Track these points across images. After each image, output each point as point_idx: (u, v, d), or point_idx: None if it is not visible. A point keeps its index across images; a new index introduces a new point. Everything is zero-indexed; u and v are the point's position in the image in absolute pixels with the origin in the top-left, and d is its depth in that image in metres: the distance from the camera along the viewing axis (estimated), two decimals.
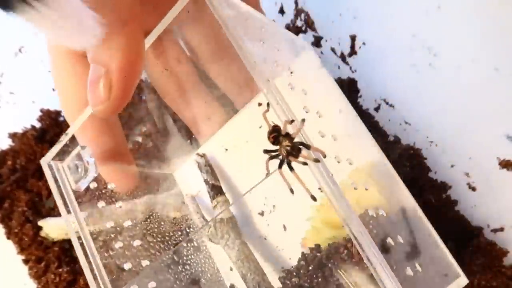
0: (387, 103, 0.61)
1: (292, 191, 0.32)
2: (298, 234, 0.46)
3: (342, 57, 0.63)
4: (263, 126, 0.44)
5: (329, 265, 0.34)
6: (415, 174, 0.56)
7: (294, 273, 0.36)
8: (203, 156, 0.50)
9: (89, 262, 0.40)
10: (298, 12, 0.63)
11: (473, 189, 0.56)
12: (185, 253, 0.49)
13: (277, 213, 0.49)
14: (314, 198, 0.31)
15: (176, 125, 0.51)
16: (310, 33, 0.64)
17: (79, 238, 0.41)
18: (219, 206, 0.47)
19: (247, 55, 0.33)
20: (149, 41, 0.37)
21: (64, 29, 0.28)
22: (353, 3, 0.63)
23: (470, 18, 0.55)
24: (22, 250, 0.55)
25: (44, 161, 0.44)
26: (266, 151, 0.32)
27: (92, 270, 0.40)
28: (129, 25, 0.32)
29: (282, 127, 0.30)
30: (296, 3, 0.63)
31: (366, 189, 0.34)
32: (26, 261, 0.55)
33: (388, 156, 0.56)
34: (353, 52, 0.62)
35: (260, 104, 0.50)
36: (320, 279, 0.34)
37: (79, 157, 0.43)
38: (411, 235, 0.33)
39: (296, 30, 0.64)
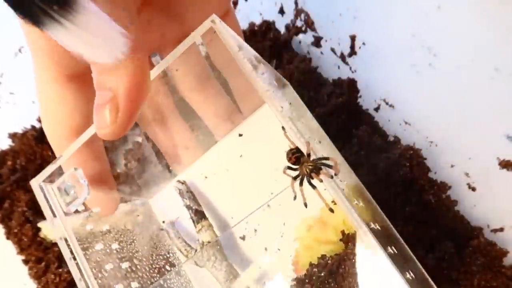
0: (387, 103, 0.61)
1: (306, 205, 0.35)
2: (286, 255, 0.48)
3: (342, 57, 0.63)
4: (244, 156, 0.51)
5: (341, 270, 0.36)
6: (415, 174, 0.56)
7: (307, 280, 0.37)
8: (183, 183, 0.52)
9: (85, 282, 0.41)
10: (298, 12, 0.63)
11: (473, 189, 0.56)
12: (168, 276, 0.50)
13: (258, 236, 0.50)
14: (332, 210, 0.34)
15: (155, 152, 0.52)
16: (310, 33, 0.64)
17: (74, 258, 0.42)
18: (204, 230, 0.48)
19: (262, 86, 0.36)
20: (153, 74, 0.39)
21: (91, 46, 0.29)
22: (353, 3, 0.63)
23: (470, 18, 0.54)
24: (21, 250, 0.55)
25: (35, 182, 0.44)
26: (289, 168, 0.34)
27: None
28: (136, 51, 0.32)
29: (306, 149, 0.33)
30: (296, 3, 0.63)
31: (362, 206, 0.37)
32: (26, 261, 0.55)
33: (388, 156, 0.57)
34: (353, 52, 0.62)
35: (241, 135, 0.52)
36: (332, 284, 0.36)
37: (71, 178, 0.43)
38: (396, 247, 0.36)
39: (296, 30, 0.64)
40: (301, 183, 0.34)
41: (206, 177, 0.53)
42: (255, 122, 0.53)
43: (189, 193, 0.51)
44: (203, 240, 0.48)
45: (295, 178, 0.34)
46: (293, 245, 0.47)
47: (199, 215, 0.49)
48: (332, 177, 0.32)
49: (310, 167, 0.33)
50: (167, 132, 0.51)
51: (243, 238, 0.51)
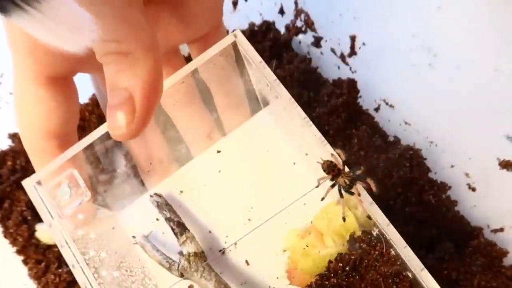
0: (387, 104, 0.61)
1: (344, 219, 0.40)
2: (274, 264, 0.49)
3: (342, 58, 0.63)
4: (222, 171, 0.52)
5: (364, 264, 0.39)
6: (415, 175, 0.56)
7: (332, 274, 0.39)
8: (160, 196, 0.51)
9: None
10: (298, 12, 0.63)
11: (473, 189, 0.56)
12: None
13: (239, 249, 0.51)
14: (369, 217, 0.39)
15: (129, 164, 0.52)
16: (310, 34, 0.64)
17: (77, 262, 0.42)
18: (189, 241, 0.48)
19: (285, 94, 0.42)
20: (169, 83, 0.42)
21: (60, 34, 0.28)
22: (353, 3, 0.63)
23: (470, 18, 0.55)
24: (19, 251, 0.55)
25: (30, 183, 0.43)
26: (332, 179, 0.40)
27: None
28: (152, 51, 0.32)
29: (340, 163, 0.40)
30: (296, 3, 0.63)
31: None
32: (25, 262, 0.55)
33: (388, 157, 0.57)
34: (353, 52, 0.62)
35: (219, 151, 0.53)
36: (357, 277, 0.39)
37: (67, 180, 0.42)
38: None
39: (296, 31, 0.64)
40: (341, 194, 0.39)
41: (181, 192, 0.53)
42: (234, 139, 0.54)
43: (168, 206, 0.50)
44: (189, 251, 0.48)
45: (332, 186, 0.40)
46: (282, 255, 0.49)
47: (181, 227, 0.49)
48: (365, 187, 0.39)
49: (348, 178, 0.39)
50: (142, 144, 0.50)
51: (222, 251, 0.52)
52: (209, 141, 0.52)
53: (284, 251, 0.51)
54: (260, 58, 0.42)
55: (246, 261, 0.51)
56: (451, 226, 0.55)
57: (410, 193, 0.55)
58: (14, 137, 0.60)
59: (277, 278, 0.50)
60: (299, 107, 0.41)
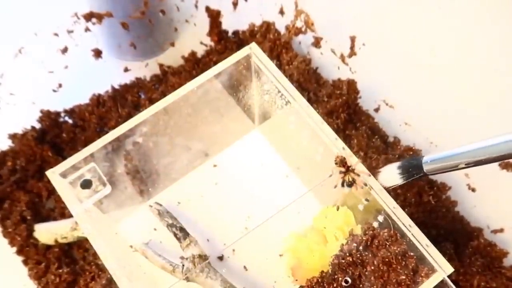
0: (386, 104, 0.61)
1: (337, 208, 0.48)
2: (273, 270, 0.52)
3: (342, 58, 0.63)
4: (218, 184, 0.56)
5: (375, 244, 0.43)
6: None
7: (347, 254, 0.43)
8: (161, 205, 0.53)
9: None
10: (298, 13, 0.63)
11: (473, 190, 0.56)
12: None
13: (237, 256, 0.53)
14: (367, 200, 0.45)
15: (128, 176, 0.52)
16: (310, 34, 0.64)
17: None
18: (194, 244, 0.50)
19: (303, 102, 0.47)
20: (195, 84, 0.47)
21: None
22: (353, 3, 0.63)
23: (470, 18, 0.55)
24: (19, 251, 0.55)
25: (54, 173, 0.44)
26: (343, 180, 0.45)
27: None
28: None
29: (352, 163, 0.45)
30: (296, 4, 0.63)
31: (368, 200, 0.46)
32: (26, 262, 0.55)
33: (387, 157, 0.57)
34: (352, 52, 0.62)
35: (215, 166, 0.57)
36: (370, 255, 0.42)
37: (90, 173, 0.45)
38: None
39: (296, 31, 0.64)
40: (343, 185, 0.45)
41: (179, 203, 0.56)
42: (230, 154, 0.58)
43: (169, 213, 0.52)
44: (193, 254, 0.49)
45: (342, 183, 0.45)
46: (284, 256, 0.52)
47: (184, 232, 0.51)
48: (366, 184, 0.44)
49: (353, 175, 0.44)
50: None
51: (221, 258, 0.54)
52: (205, 157, 0.56)
53: (281, 255, 0.53)
54: (275, 67, 0.48)
55: (245, 267, 0.53)
56: (451, 226, 0.54)
57: (410, 193, 0.54)
58: (14, 137, 0.60)
59: (275, 282, 0.52)
60: (312, 108, 0.47)
